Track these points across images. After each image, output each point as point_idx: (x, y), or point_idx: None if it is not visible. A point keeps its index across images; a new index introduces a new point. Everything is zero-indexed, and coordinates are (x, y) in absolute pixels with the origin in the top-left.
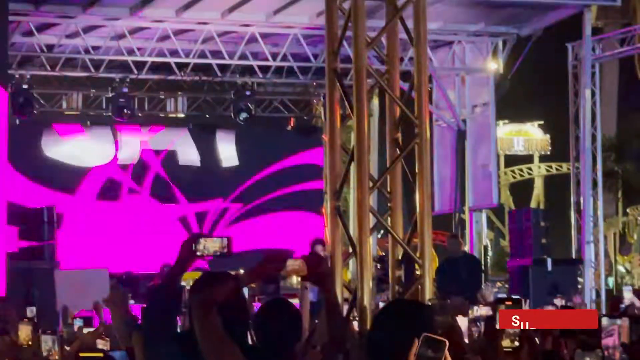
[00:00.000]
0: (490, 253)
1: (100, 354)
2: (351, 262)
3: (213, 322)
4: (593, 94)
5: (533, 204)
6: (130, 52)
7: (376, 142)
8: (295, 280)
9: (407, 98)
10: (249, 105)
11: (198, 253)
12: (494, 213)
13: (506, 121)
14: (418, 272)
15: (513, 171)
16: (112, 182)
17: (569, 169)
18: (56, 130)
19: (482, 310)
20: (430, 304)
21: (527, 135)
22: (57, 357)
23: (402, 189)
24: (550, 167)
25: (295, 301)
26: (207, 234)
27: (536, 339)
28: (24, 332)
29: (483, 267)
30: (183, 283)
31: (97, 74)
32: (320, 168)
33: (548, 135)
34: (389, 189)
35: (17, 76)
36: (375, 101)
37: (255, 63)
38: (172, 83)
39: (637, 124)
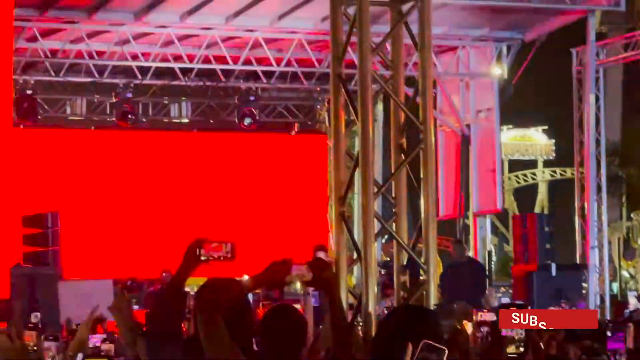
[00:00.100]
0: (494, 258)
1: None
2: (355, 268)
3: (218, 328)
4: (597, 99)
5: (537, 209)
6: (135, 57)
7: (380, 148)
8: (298, 285)
9: (411, 103)
10: (253, 110)
11: (202, 258)
12: (498, 218)
13: (510, 126)
14: (423, 277)
15: (517, 176)
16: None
17: (573, 174)
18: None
19: (486, 316)
20: (435, 308)
21: (531, 141)
22: None
23: (406, 194)
24: (555, 172)
25: (297, 306)
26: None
27: (541, 344)
28: (29, 337)
29: (487, 272)
30: (187, 288)
31: (101, 79)
32: (324, 173)
33: (552, 141)
34: (393, 194)
35: (21, 81)
36: (380, 106)
37: (259, 68)
38: (176, 88)
39: None
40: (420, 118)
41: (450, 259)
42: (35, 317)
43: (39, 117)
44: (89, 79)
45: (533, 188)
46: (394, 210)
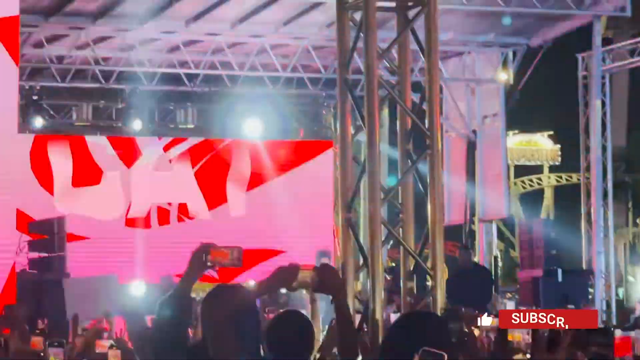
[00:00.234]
0: (500, 263)
1: None
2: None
3: (225, 334)
4: (603, 104)
5: (543, 215)
6: (141, 63)
7: (386, 154)
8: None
9: (418, 109)
10: (259, 116)
11: (208, 263)
12: (503, 223)
13: (516, 131)
14: (429, 283)
15: (523, 182)
16: None
17: (578, 179)
18: None
19: (492, 322)
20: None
21: (537, 146)
22: None
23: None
24: (560, 177)
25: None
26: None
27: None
28: (36, 343)
29: (493, 278)
30: (193, 294)
31: (107, 85)
32: (330, 179)
33: (558, 146)
34: (399, 200)
35: (27, 87)
36: (385, 112)
37: (265, 74)
38: (182, 94)
39: None
40: (427, 124)
41: (456, 264)
42: (42, 322)
43: (45, 122)
44: (95, 85)
45: (539, 193)
46: (400, 216)
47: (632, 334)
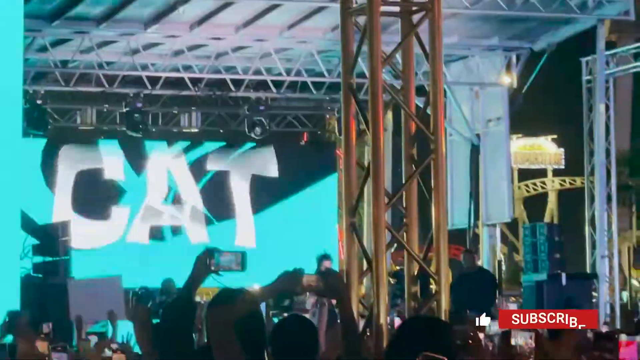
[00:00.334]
0: (504, 267)
1: None
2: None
3: (230, 338)
4: (607, 108)
5: (547, 218)
6: (144, 67)
7: (390, 157)
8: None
9: (422, 114)
10: (263, 120)
11: (212, 268)
12: (507, 227)
13: (520, 135)
14: (433, 287)
15: (527, 185)
16: None
17: (582, 182)
18: None
19: (496, 326)
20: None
21: (541, 149)
22: None
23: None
24: (564, 181)
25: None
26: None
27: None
28: (42, 348)
29: (497, 281)
30: (197, 298)
31: (111, 89)
32: (333, 182)
33: (562, 150)
34: (404, 204)
35: (31, 91)
36: (389, 115)
37: (269, 78)
38: (186, 98)
39: None
40: (431, 129)
41: (460, 268)
42: (47, 327)
43: (49, 126)
44: (98, 89)
45: (543, 197)
46: (404, 220)
47: (638, 338)
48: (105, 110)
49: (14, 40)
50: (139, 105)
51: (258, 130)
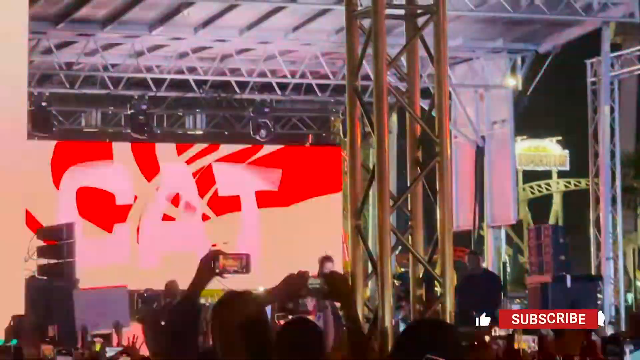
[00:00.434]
0: (509, 269)
1: None
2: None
3: (236, 341)
4: (612, 110)
5: (551, 220)
6: (149, 69)
7: (395, 159)
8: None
9: (427, 116)
10: (268, 122)
11: (217, 270)
12: (512, 229)
13: (524, 137)
14: (437, 289)
15: (532, 187)
16: None
17: (587, 184)
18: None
19: (501, 330)
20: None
21: (545, 151)
22: None
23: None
24: (569, 182)
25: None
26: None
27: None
28: (47, 351)
29: (502, 283)
30: (202, 300)
31: (116, 92)
32: (338, 185)
33: (566, 151)
34: (409, 207)
35: (36, 94)
36: (394, 118)
37: (273, 80)
38: (191, 100)
39: None
40: (436, 131)
41: (465, 270)
42: (52, 329)
43: (54, 129)
44: (103, 91)
45: (547, 199)
46: (410, 223)
47: None
48: (110, 112)
49: (19, 43)
50: (144, 107)
51: (263, 132)
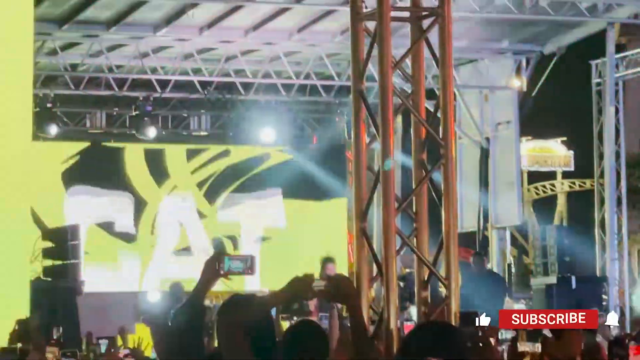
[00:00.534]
0: (513, 270)
1: None
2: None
3: (241, 344)
4: (617, 111)
5: (556, 221)
6: (154, 70)
7: (400, 160)
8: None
9: (432, 118)
10: (272, 123)
11: (222, 272)
12: (517, 229)
13: (529, 137)
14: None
15: (536, 187)
16: None
17: (592, 184)
18: None
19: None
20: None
21: (550, 152)
22: None
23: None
24: (574, 183)
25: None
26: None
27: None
28: (52, 354)
29: (507, 284)
30: (206, 302)
31: (120, 93)
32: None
33: (571, 152)
34: (414, 209)
35: (41, 95)
36: (399, 119)
37: (278, 81)
38: (196, 101)
39: None
40: (441, 134)
41: (469, 271)
42: (57, 331)
43: (59, 130)
44: (108, 92)
45: (552, 199)
46: (414, 225)
47: None
48: (114, 113)
49: (24, 44)
50: (149, 108)
51: (267, 133)
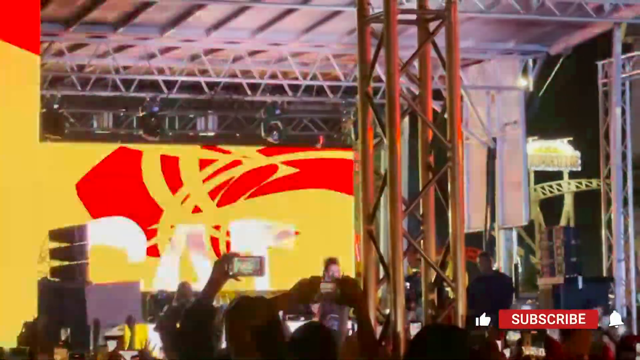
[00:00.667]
0: (520, 270)
1: None
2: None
3: (249, 345)
4: (623, 111)
5: (563, 221)
6: (161, 71)
7: (406, 161)
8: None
9: (439, 119)
10: (279, 123)
11: (230, 273)
12: (523, 230)
13: (535, 137)
14: (447, 290)
15: (543, 187)
16: None
17: (598, 185)
18: None
19: (514, 335)
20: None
21: (557, 152)
22: None
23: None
24: (580, 183)
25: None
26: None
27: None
28: (60, 356)
29: (514, 285)
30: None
31: (127, 94)
32: (350, 186)
33: (578, 152)
34: (421, 211)
35: (48, 96)
36: (405, 120)
37: (285, 82)
38: (203, 102)
39: None
40: (448, 136)
41: (476, 271)
42: (65, 332)
43: (66, 131)
44: (115, 93)
45: (559, 199)
46: (421, 227)
47: None
48: (121, 114)
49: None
50: (156, 109)
51: (275, 134)
